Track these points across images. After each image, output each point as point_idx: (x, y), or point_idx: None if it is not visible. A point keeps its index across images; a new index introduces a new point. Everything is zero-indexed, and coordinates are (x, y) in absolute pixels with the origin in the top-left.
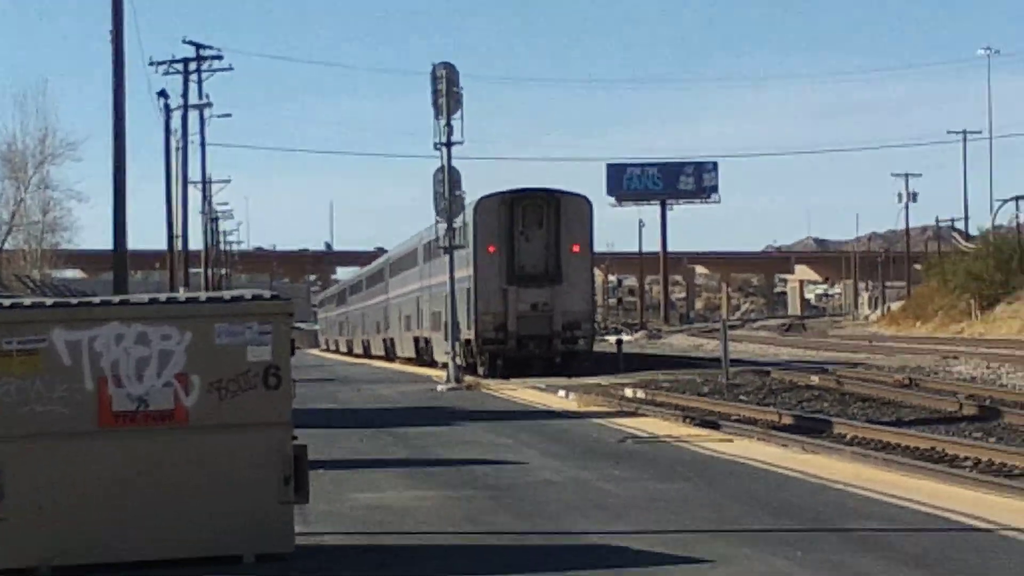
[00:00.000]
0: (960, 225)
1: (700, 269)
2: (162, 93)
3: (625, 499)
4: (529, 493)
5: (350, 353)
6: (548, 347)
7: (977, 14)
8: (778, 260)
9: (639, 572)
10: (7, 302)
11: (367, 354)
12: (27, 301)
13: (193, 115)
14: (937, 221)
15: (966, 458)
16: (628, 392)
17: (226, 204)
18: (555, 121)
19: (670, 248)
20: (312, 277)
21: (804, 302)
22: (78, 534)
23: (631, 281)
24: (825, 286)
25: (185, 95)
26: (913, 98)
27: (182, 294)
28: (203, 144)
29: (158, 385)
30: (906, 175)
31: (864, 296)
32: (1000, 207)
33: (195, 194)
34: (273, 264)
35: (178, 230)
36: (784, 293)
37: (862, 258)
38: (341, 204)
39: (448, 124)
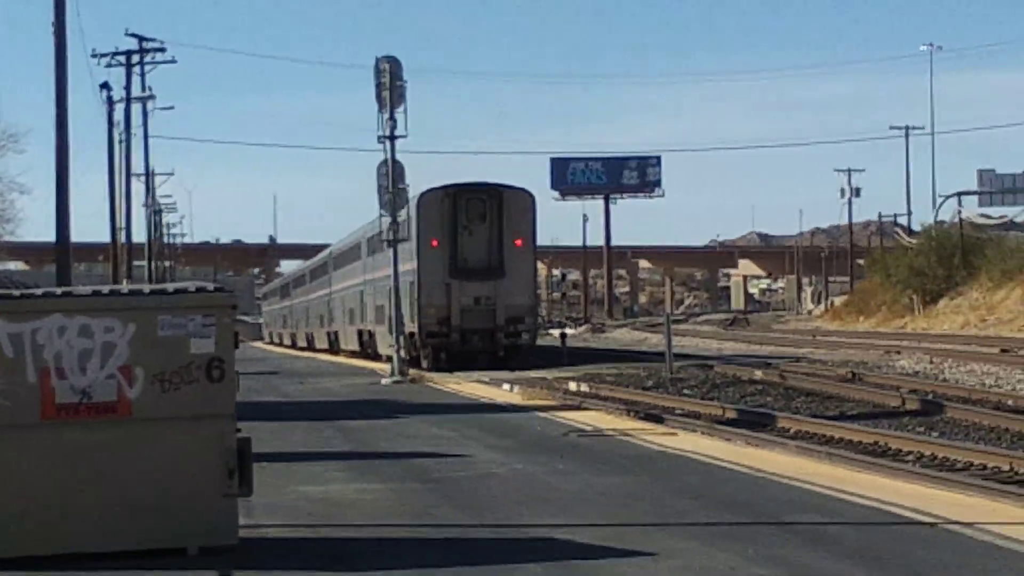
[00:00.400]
0: (903, 220)
1: (644, 263)
2: (105, 85)
3: (570, 492)
4: (473, 486)
5: (294, 346)
6: (491, 341)
7: (919, 11)
8: (722, 255)
9: (584, 565)
10: None
11: (311, 347)
12: None
13: (136, 108)
14: (880, 216)
15: (909, 452)
16: (572, 386)
17: (169, 197)
18: (499, 116)
19: (614, 242)
20: (256, 270)
21: (747, 297)
22: (20, 526)
23: (575, 275)
24: (768, 281)
25: (128, 87)
26: (856, 94)
27: (125, 286)
28: (146, 137)
29: (101, 377)
30: (849, 170)
31: (807, 291)
32: (942, 203)
33: (138, 187)
34: (217, 257)
35: (121, 222)
36: (727, 288)
37: (805, 253)
38: (285, 197)
39: (391, 118)
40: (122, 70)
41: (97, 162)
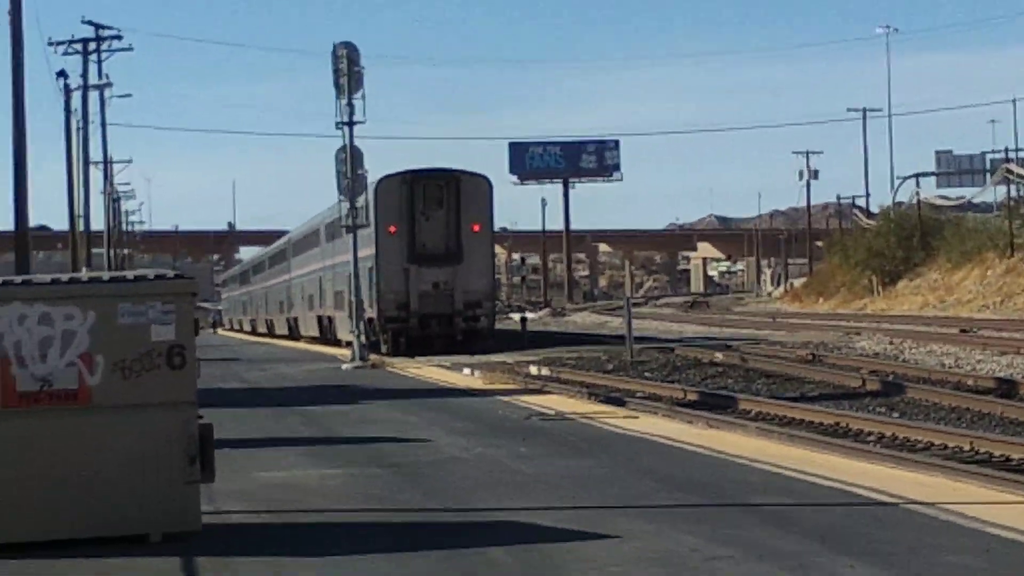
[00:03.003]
0: (861, 202)
1: (603, 247)
2: (61, 73)
3: (532, 476)
4: (436, 471)
5: (254, 332)
6: (449, 325)
7: None
8: (681, 238)
9: (548, 548)
10: None
11: (271, 333)
12: None
13: (93, 96)
14: (838, 198)
15: (870, 433)
16: (533, 369)
17: (128, 185)
18: (458, 100)
19: (573, 226)
20: (215, 257)
21: (707, 279)
22: None
23: (535, 259)
24: (728, 263)
25: (85, 75)
26: (814, 76)
27: (85, 274)
28: (103, 124)
29: (62, 365)
30: (807, 153)
31: (767, 273)
32: (900, 184)
33: (97, 175)
34: (176, 244)
35: (80, 210)
36: (687, 270)
37: (764, 235)
38: (243, 184)
39: (349, 103)
40: (79, 58)
41: (55, 150)
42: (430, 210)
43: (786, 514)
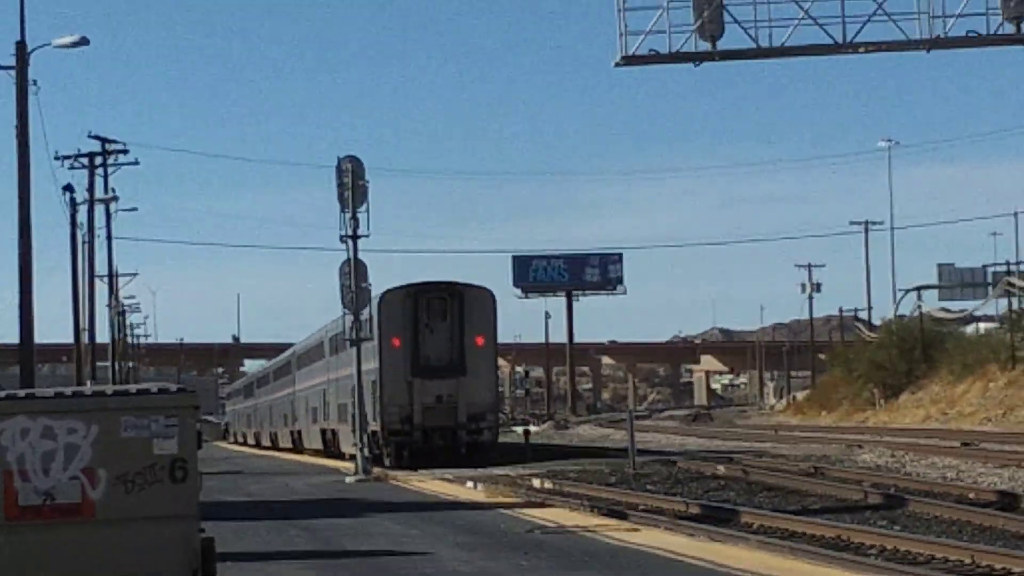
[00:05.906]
0: (863, 315)
1: (607, 360)
2: (68, 187)
3: None
4: None
5: (258, 445)
6: (453, 438)
7: (878, 106)
8: (684, 350)
9: None
10: None
11: (275, 446)
12: None
13: (99, 209)
14: (841, 311)
15: (871, 546)
16: (536, 483)
17: (133, 298)
18: (462, 213)
19: (576, 339)
20: (220, 369)
21: (710, 392)
22: None
23: (538, 372)
24: (731, 376)
25: (91, 189)
26: (816, 189)
27: (88, 388)
28: (109, 238)
29: (64, 479)
30: (809, 266)
31: (769, 386)
32: (902, 297)
33: (102, 288)
34: (181, 357)
35: (85, 324)
36: (690, 383)
37: (767, 348)
38: (248, 297)
39: (354, 217)
40: (85, 172)
41: (61, 263)
42: (434, 323)
43: None
